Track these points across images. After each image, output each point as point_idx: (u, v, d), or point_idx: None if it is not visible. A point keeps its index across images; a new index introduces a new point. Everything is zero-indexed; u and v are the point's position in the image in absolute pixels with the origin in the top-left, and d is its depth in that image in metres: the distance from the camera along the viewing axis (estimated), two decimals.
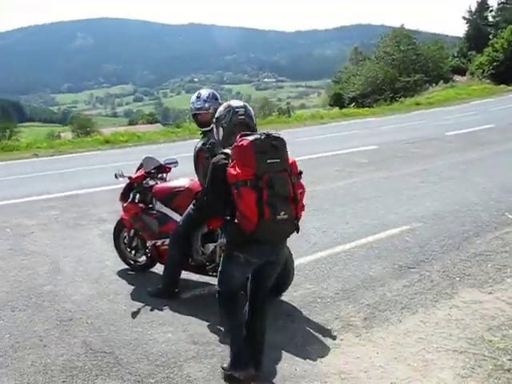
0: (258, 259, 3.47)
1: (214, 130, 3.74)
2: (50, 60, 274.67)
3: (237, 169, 3.23)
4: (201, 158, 4.68)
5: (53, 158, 15.56)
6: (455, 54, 50.00)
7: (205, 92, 4.83)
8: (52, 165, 13.92)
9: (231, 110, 3.61)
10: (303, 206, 3.52)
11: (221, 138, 3.65)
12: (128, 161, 6.81)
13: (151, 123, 52.83)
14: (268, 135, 3.32)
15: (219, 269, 3.66)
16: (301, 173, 3.66)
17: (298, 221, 3.42)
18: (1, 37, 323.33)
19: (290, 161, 3.46)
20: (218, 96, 4.86)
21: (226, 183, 3.28)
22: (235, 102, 3.74)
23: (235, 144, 3.31)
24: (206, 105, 4.73)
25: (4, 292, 5.21)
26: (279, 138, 3.37)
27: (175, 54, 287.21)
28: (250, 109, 3.73)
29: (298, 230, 3.44)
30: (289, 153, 3.45)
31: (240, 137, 3.33)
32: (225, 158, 3.40)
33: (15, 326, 4.47)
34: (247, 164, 3.23)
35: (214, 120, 3.72)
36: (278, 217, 3.23)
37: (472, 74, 43.81)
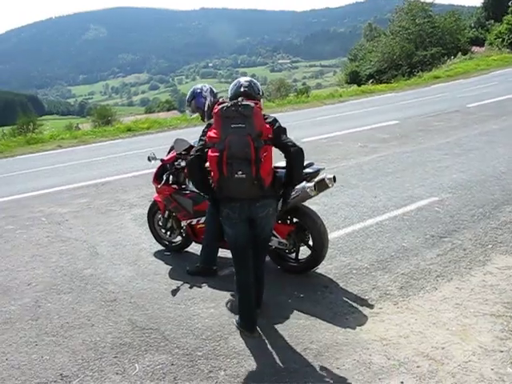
0: (236, 214, 3.85)
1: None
2: (65, 53, 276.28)
3: (211, 131, 3.77)
4: None
5: (77, 149, 15.77)
6: (472, 25, 49.05)
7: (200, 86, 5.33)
8: (77, 155, 14.13)
9: (237, 84, 4.08)
10: (269, 167, 3.77)
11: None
12: (151, 147, 6.95)
13: (168, 110, 52.93)
14: (235, 103, 3.68)
15: None
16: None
17: (262, 181, 3.69)
18: (15, 33, 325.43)
19: (263, 127, 3.73)
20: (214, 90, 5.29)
21: None
22: (243, 78, 4.24)
23: (215, 108, 3.77)
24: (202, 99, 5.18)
25: (48, 277, 5.39)
26: (247, 105, 3.67)
27: (189, 40, 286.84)
28: (256, 83, 4.18)
29: (262, 189, 3.73)
30: (265, 119, 3.83)
31: (217, 104, 3.81)
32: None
33: (62, 308, 4.65)
34: (216, 127, 3.72)
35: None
36: (236, 175, 3.62)
37: (491, 44, 42.92)
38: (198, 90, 5.23)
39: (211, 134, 3.74)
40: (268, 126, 3.79)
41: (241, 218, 3.87)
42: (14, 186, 10.30)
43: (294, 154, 3.88)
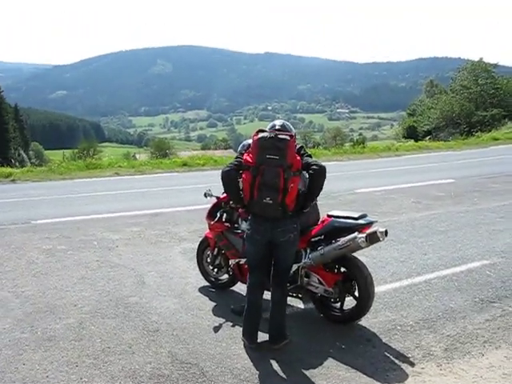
0: (259, 236, 4.31)
1: None
2: (130, 84, 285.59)
3: (248, 155, 4.20)
4: None
5: (133, 177, 16.19)
6: None
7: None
8: (133, 183, 14.50)
9: (272, 126, 4.63)
10: (294, 196, 4.19)
11: None
12: (206, 183, 7.06)
13: (225, 149, 53.76)
14: (274, 136, 4.13)
15: None
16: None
17: (286, 207, 4.15)
18: (86, 62, 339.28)
19: (294, 160, 4.15)
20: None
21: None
22: (277, 121, 4.75)
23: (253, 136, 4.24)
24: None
25: (94, 300, 5.52)
26: (283, 139, 4.12)
27: (251, 81, 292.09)
28: (289, 125, 4.73)
29: (284, 213, 4.17)
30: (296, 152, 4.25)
31: (257, 132, 4.26)
32: None
33: (105, 332, 4.73)
34: (253, 154, 4.17)
35: None
36: (264, 200, 4.10)
37: None
38: (247, 143, 5.34)
39: (247, 158, 4.20)
40: (298, 157, 4.23)
41: (262, 241, 4.33)
42: (70, 208, 10.64)
43: (317, 171, 4.24)
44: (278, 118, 5.30)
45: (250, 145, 4.79)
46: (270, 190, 4.07)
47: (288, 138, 4.13)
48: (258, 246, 4.38)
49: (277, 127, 4.57)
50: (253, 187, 4.12)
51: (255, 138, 4.19)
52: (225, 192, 4.65)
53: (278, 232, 4.26)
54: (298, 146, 4.39)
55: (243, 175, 4.20)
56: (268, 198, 4.07)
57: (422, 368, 4.08)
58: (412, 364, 4.14)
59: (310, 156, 4.42)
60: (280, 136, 4.13)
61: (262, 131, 4.26)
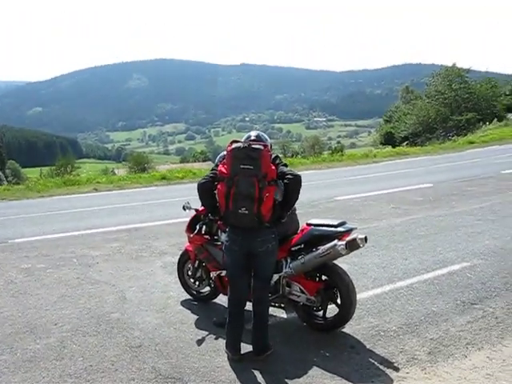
0: (237, 247, 4.31)
1: None
2: (106, 100, 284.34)
3: (223, 166, 4.23)
4: None
5: (112, 193, 16.10)
6: (508, 92, 49.14)
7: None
8: (112, 199, 14.42)
9: (247, 137, 4.69)
10: (270, 205, 4.17)
11: None
12: (185, 196, 7.03)
13: (204, 161, 53.67)
14: (247, 146, 4.14)
15: None
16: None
17: (262, 217, 4.14)
18: (61, 79, 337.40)
19: (269, 169, 4.15)
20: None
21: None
22: (253, 132, 4.80)
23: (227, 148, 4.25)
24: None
25: (75, 318, 5.44)
26: (257, 149, 4.13)
27: (228, 93, 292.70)
28: (264, 135, 4.78)
29: (261, 223, 4.16)
30: (270, 162, 4.23)
31: (231, 143, 4.27)
32: None
33: (87, 350, 4.67)
34: (227, 164, 4.19)
35: None
36: (240, 211, 4.09)
37: None
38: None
39: (222, 169, 4.23)
40: (273, 167, 4.23)
41: (241, 251, 4.33)
42: (49, 225, 10.53)
43: (292, 180, 4.22)
44: (256, 129, 5.35)
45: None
46: (245, 200, 4.07)
47: (262, 147, 4.15)
48: (237, 257, 4.38)
49: (252, 138, 4.61)
50: (228, 198, 4.12)
51: (229, 148, 4.22)
52: (201, 204, 4.63)
53: (257, 242, 4.27)
54: (273, 156, 4.39)
55: (218, 186, 4.22)
56: (243, 209, 4.08)
57: (407, 373, 4.08)
58: (397, 369, 4.15)
59: (285, 165, 4.42)
60: (254, 146, 4.15)
61: (236, 142, 4.27)
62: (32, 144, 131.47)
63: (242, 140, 4.51)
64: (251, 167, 4.07)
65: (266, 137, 4.79)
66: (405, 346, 4.52)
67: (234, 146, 4.19)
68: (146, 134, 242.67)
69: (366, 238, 4.46)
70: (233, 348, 4.43)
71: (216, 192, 4.28)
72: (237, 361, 4.35)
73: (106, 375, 4.20)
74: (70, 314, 5.56)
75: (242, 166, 4.08)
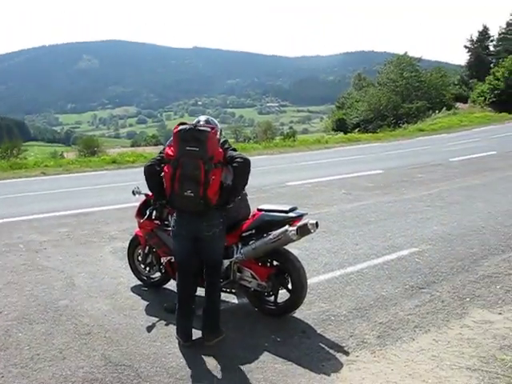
0: (184, 231, 4.28)
1: None
2: (55, 81, 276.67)
3: (169, 149, 4.17)
4: None
5: (61, 177, 15.75)
6: (456, 82, 50.35)
7: None
8: (60, 183, 14.09)
9: (196, 121, 4.58)
10: (216, 188, 4.12)
11: None
12: (136, 180, 6.90)
13: (155, 145, 52.98)
14: (193, 128, 4.08)
15: None
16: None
17: (209, 200, 4.07)
18: (7, 57, 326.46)
19: (215, 151, 4.10)
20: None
21: None
22: (202, 116, 4.75)
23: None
24: None
25: (21, 306, 5.30)
26: (203, 131, 4.05)
27: (180, 77, 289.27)
28: (213, 120, 4.74)
29: (207, 207, 4.10)
30: (217, 144, 4.19)
31: (178, 125, 4.17)
32: None
33: (34, 339, 4.55)
34: (174, 146, 4.13)
35: None
36: (185, 193, 4.01)
37: (474, 101, 44.13)
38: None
39: (169, 151, 4.17)
40: (221, 150, 4.21)
41: (188, 235, 4.28)
42: None
43: (240, 164, 4.19)
44: (208, 113, 5.33)
45: None
46: (190, 182, 4.00)
47: (208, 129, 4.09)
48: (184, 242, 4.34)
49: (201, 123, 4.53)
50: (173, 180, 4.05)
51: (175, 130, 4.13)
52: (148, 188, 4.54)
53: (203, 226, 4.22)
54: (221, 140, 4.37)
55: (164, 168, 4.16)
56: (189, 191, 4.01)
57: (357, 356, 4.15)
58: (346, 353, 4.20)
59: (234, 150, 4.39)
60: (200, 128, 4.09)
61: (183, 124, 4.19)
62: None
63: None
64: (197, 149, 4.00)
65: (216, 122, 4.76)
66: (355, 330, 4.59)
67: (181, 127, 4.12)
68: (96, 117, 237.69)
69: (317, 224, 4.48)
70: (184, 334, 4.40)
71: (163, 175, 4.21)
72: (188, 347, 4.33)
73: (54, 364, 4.11)
74: (15, 302, 5.41)
75: (187, 148, 4.01)
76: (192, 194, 4.00)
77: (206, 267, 4.47)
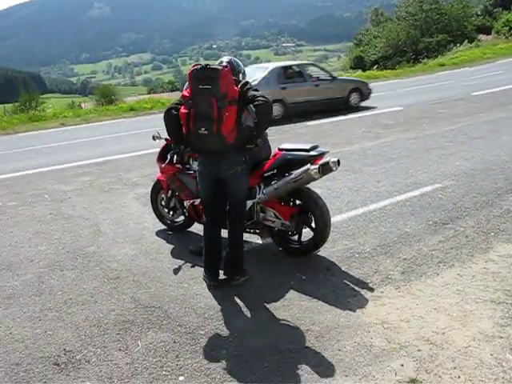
0: (206, 171, 4.37)
1: None
2: (67, 30, 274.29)
3: (186, 90, 4.20)
4: None
5: (80, 127, 15.81)
6: (479, 13, 48.59)
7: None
8: (80, 133, 14.17)
9: (218, 62, 4.57)
10: (231, 125, 4.07)
11: None
12: (154, 127, 6.87)
13: (172, 91, 52.60)
14: (205, 66, 4.07)
15: None
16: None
17: (224, 138, 4.05)
18: (17, 9, 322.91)
19: (229, 89, 4.04)
20: None
21: None
22: (225, 57, 4.76)
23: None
24: None
25: (50, 253, 5.42)
26: (215, 69, 4.03)
27: (193, 20, 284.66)
28: (236, 61, 4.73)
29: (224, 144, 4.09)
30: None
31: (192, 66, 4.17)
32: None
33: (66, 284, 4.67)
34: (189, 87, 4.14)
35: None
36: (199, 131, 4.03)
37: (498, 32, 42.67)
38: None
39: (185, 92, 4.19)
40: (236, 88, 4.15)
41: (210, 176, 4.36)
42: (17, 163, 10.33)
43: (261, 105, 4.09)
44: (225, 55, 5.25)
45: None
46: (203, 120, 4.00)
47: (220, 67, 4.08)
48: (208, 182, 4.41)
49: (223, 63, 4.51)
50: (188, 119, 4.07)
51: (189, 71, 4.14)
52: (167, 132, 4.54)
53: (224, 165, 4.26)
54: (243, 82, 4.31)
55: (180, 110, 4.16)
56: (203, 129, 4.01)
57: (382, 292, 4.19)
58: (371, 289, 4.25)
59: (256, 90, 4.30)
60: (212, 66, 4.08)
61: (198, 65, 4.17)
62: None
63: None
64: (209, 87, 3.99)
65: (239, 62, 4.73)
66: (379, 267, 4.62)
67: (193, 67, 4.13)
68: (111, 65, 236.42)
69: (338, 161, 4.45)
70: (211, 274, 4.48)
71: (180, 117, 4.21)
72: (216, 287, 4.40)
73: (86, 307, 4.22)
74: (45, 250, 5.53)
75: (200, 87, 4.02)
76: (206, 132, 4.01)
77: (230, 207, 4.49)
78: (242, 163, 4.34)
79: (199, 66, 4.10)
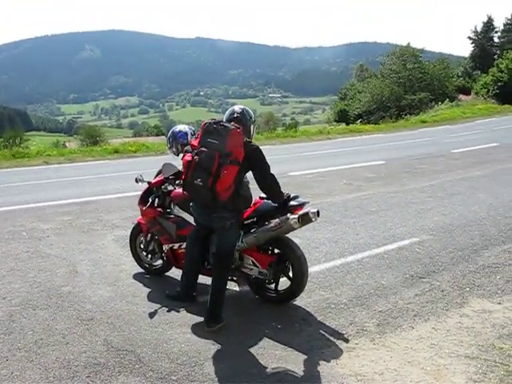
0: (201, 220, 4.69)
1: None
2: (57, 71, 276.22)
3: (195, 141, 4.40)
4: None
5: (63, 166, 15.77)
6: (460, 74, 50.13)
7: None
8: (63, 172, 14.13)
9: (231, 111, 4.72)
10: (227, 184, 4.22)
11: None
12: (138, 170, 6.93)
13: (157, 135, 52.96)
14: (217, 122, 4.30)
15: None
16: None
17: (217, 194, 4.20)
18: (9, 47, 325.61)
19: (235, 149, 4.21)
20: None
21: None
22: (237, 106, 4.82)
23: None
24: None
25: (24, 292, 5.34)
26: (226, 127, 4.25)
27: (182, 67, 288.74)
28: (249, 110, 4.81)
29: (215, 200, 4.25)
30: (238, 141, 4.26)
31: (207, 120, 4.40)
32: None
33: (37, 324, 4.59)
34: (198, 138, 4.34)
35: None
36: (195, 181, 4.19)
37: (477, 93, 44.04)
38: (177, 129, 5.73)
39: (194, 142, 4.39)
40: (242, 150, 4.27)
41: (204, 223, 4.66)
42: None
43: (253, 151, 4.41)
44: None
45: (184, 133, 5.54)
46: (202, 171, 4.15)
47: (232, 127, 4.25)
48: (199, 228, 4.79)
49: (236, 115, 4.63)
50: (189, 167, 4.23)
51: (203, 123, 4.34)
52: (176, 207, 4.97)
53: (214, 218, 4.44)
54: (253, 147, 4.44)
55: (185, 157, 4.35)
56: (199, 180, 4.16)
57: (356, 343, 4.18)
58: (346, 340, 4.24)
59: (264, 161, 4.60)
60: (225, 124, 4.29)
61: (213, 119, 4.40)
62: None
63: (226, 114, 4.70)
64: (217, 142, 4.18)
65: (251, 113, 4.85)
66: (354, 318, 4.63)
67: (208, 121, 4.35)
68: (98, 107, 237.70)
69: (318, 212, 4.51)
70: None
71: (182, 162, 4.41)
72: (190, 333, 4.36)
73: (57, 348, 4.15)
74: (19, 288, 5.44)
75: (208, 140, 4.22)
76: (201, 184, 4.17)
77: (216, 254, 4.57)
78: (232, 217, 4.43)
79: (213, 121, 4.33)
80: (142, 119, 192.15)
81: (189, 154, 4.31)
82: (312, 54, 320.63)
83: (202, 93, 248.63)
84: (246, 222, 4.80)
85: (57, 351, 4.10)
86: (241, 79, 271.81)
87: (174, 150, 5.69)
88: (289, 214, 4.54)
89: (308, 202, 4.82)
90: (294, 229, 4.61)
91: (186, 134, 5.66)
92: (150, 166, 9.37)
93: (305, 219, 4.51)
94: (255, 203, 4.86)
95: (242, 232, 4.79)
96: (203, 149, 4.20)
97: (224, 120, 4.51)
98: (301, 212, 4.54)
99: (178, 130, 5.72)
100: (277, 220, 4.58)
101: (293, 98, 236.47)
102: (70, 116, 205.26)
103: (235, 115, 4.62)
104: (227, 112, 4.74)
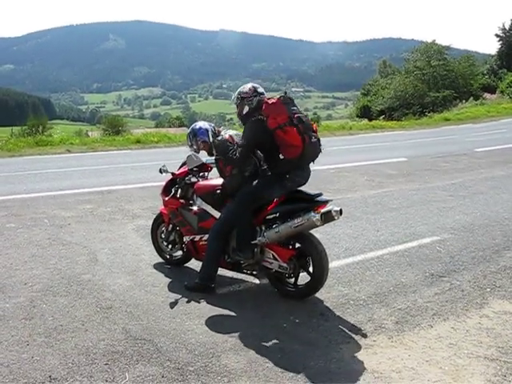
0: (301, 178, 4.93)
1: (239, 106, 4.98)
2: (82, 60, 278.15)
3: (276, 118, 4.59)
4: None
5: (85, 155, 15.93)
6: (485, 72, 49.40)
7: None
8: (85, 161, 14.26)
9: (257, 95, 4.91)
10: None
11: (244, 113, 4.93)
12: (159, 160, 6.94)
13: (179, 126, 53.04)
14: (284, 94, 4.77)
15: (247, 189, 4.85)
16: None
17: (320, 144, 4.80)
18: (35, 36, 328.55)
19: None
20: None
21: (266, 132, 4.64)
22: (260, 88, 5.01)
23: (267, 102, 4.67)
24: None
25: (45, 278, 5.40)
26: (290, 97, 4.76)
27: (205, 59, 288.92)
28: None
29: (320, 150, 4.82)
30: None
31: (268, 98, 4.75)
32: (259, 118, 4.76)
33: (58, 310, 4.64)
34: (281, 112, 4.60)
35: (239, 97, 4.96)
36: (313, 139, 4.65)
37: (502, 92, 43.33)
38: (197, 126, 5.56)
39: (275, 120, 4.60)
40: None
41: (300, 181, 5.00)
42: (20, 185, 10.38)
43: None
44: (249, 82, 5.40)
45: (205, 129, 5.45)
46: (311, 130, 4.69)
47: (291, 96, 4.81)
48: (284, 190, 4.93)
49: (260, 90, 4.99)
50: (301, 134, 4.58)
51: (275, 99, 4.68)
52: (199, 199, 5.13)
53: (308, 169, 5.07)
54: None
55: (287, 129, 4.58)
56: (314, 137, 4.67)
57: (374, 340, 4.16)
58: (364, 337, 4.22)
59: None
60: (287, 95, 4.78)
61: (268, 98, 4.78)
62: (2, 102, 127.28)
63: (246, 91, 4.94)
64: (296, 108, 4.74)
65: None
66: (373, 315, 4.60)
67: (278, 96, 4.75)
68: (121, 97, 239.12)
69: (341, 211, 4.50)
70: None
71: (283, 139, 4.62)
72: (208, 325, 4.37)
73: (76, 335, 4.19)
74: (40, 275, 5.52)
75: (291, 108, 4.66)
76: (315, 139, 4.70)
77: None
78: None
79: (279, 95, 4.77)
80: (164, 110, 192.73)
81: (288, 127, 4.55)
82: (336, 48, 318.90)
83: (224, 85, 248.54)
84: (268, 217, 4.80)
85: (76, 338, 4.14)
86: (264, 73, 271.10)
87: (195, 147, 5.54)
88: (312, 212, 4.53)
89: (331, 200, 4.80)
90: (317, 226, 4.61)
91: (206, 130, 5.48)
92: (171, 157, 9.46)
93: (327, 217, 4.50)
94: (278, 199, 4.85)
95: (264, 227, 4.79)
96: (298, 114, 4.63)
97: (243, 96, 4.92)
98: (324, 210, 4.53)
99: (198, 127, 5.54)
100: (299, 217, 4.56)
101: (315, 92, 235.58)
102: (93, 105, 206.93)
103: (260, 90, 4.98)
104: (247, 91, 4.94)
